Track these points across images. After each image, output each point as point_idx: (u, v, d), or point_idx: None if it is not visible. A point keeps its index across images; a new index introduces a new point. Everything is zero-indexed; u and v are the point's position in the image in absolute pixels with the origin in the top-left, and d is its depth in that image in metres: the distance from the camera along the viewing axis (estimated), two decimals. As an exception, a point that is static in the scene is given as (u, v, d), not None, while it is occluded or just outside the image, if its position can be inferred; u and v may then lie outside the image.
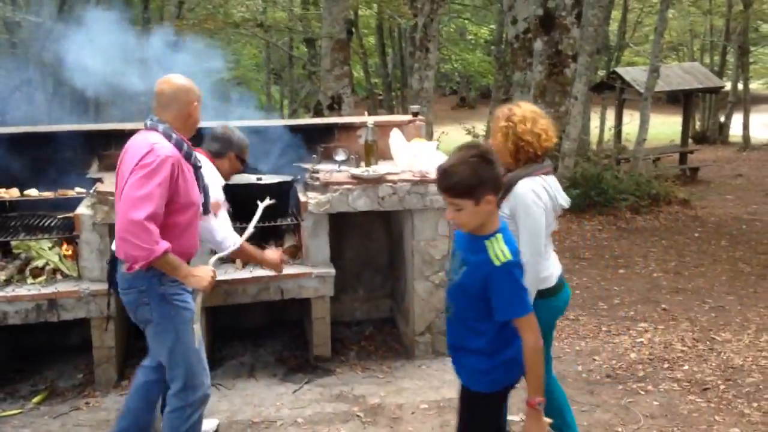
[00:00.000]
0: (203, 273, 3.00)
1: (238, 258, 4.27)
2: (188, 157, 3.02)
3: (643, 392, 4.31)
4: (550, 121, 3.07)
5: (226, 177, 3.73)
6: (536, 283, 2.93)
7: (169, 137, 2.96)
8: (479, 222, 2.46)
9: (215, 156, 3.60)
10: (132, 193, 2.78)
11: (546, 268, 3.04)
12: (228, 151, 3.64)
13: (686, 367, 4.69)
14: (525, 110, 3.01)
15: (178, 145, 2.97)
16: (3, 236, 4.23)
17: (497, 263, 2.42)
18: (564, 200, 3.08)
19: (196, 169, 3.09)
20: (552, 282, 3.08)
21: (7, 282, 4.17)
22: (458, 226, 2.52)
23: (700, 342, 5.17)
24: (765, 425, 3.86)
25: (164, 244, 2.80)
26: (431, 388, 4.25)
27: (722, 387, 4.37)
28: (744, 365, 4.71)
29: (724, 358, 4.85)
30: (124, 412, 3.34)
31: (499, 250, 2.43)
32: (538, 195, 2.91)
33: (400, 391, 4.25)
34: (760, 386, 4.37)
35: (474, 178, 2.38)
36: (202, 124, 4.58)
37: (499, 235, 2.46)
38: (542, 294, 3.02)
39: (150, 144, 2.88)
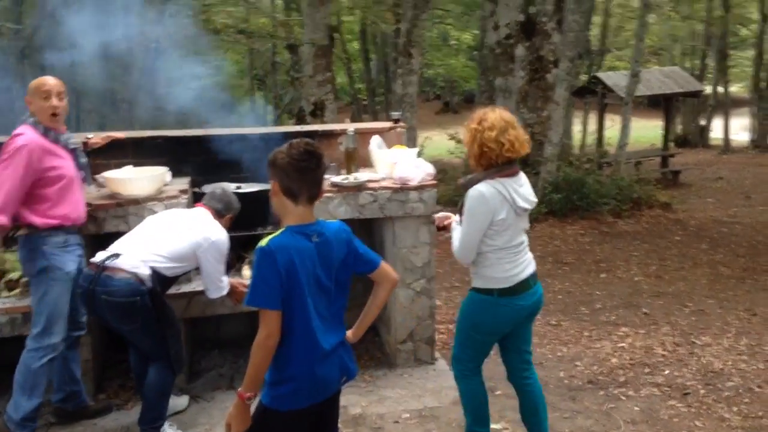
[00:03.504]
0: None
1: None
2: (56, 140, 3.63)
3: (624, 398, 4.32)
4: (522, 133, 3.14)
5: None
6: (465, 258, 3.14)
7: (36, 127, 3.60)
8: (278, 211, 2.47)
9: (218, 214, 3.83)
10: None
11: (501, 268, 3.14)
12: (228, 213, 3.90)
13: (667, 372, 4.71)
14: (497, 118, 3.09)
15: (45, 133, 3.60)
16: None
17: (257, 246, 2.39)
18: (524, 201, 3.13)
19: (69, 149, 3.70)
20: (514, 281, 3.16)
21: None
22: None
23: (681, 346, 5.20)
24: (745, 429, 3.88)
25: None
26: (413, 396, 4.23)
27: (702, 391, 4.39)
28: (724, 369, 4.74)
29: (704, 362, 4.87)
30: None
31: (264, 239, 2.38)
32: (486, 199, 3.03)
33: (381, 401, 4.23)
34: (740, 390, 4.39)
35: (270, 158, 2.44)
36: (180, 133, 4.55)
37: (281, 229, 2.42)
38: (503, 292, 3.15)
39: (12, 136, 3.54)
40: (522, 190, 3.16)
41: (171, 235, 3.57)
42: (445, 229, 3.48)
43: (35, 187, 3.52)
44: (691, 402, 4.25)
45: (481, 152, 3.08)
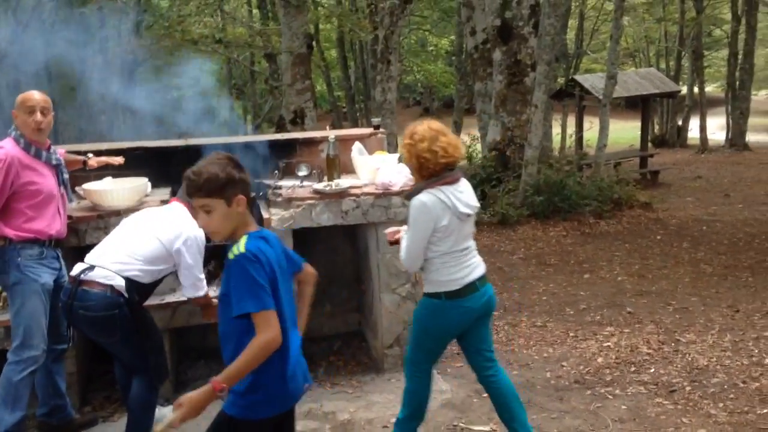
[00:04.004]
0: None
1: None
2: (38, 156, 3.64)
3: (611, 396, 4.34)
4: (454, 138, 3.28)
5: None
6: (412, 266, 3.29)
7: (18, 141, 3.61)
8: (232, 226, 2.42)
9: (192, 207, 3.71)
10: None
11: (446, 272, 3.25)
12: None
13: (652, 370, 4.74)
14: (426, 129, 3.24)
15: (26, 148, 3.61)
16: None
17: (231, 257, 2.37)
18: (465, 206, 3.24)
19: (51, 165, 3.70)
20: (460, 284, 3.26)
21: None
22: (211, 234, 2.45)
23: (666, 344, 5.24)
24: (731, 425, 3.91)
25: None
26: (401, 401, 4.21)
27: (688, 388, 4.42)
28: (709, 366, 4.78)
29: (689, 359, 4.91)
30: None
31: (235, 247, 2.37)
32: (427, 207, 3.15)
33: (369, 406, 4.21)
34: (725, 386, 4.43)
35: (224, 176, 2.38)
36: (161, 144, 4.53)
37: (244, 236, 2.41)
38: (450, 295, 3.26)
39: None
40: (463, 196, 3.27)
41: (144, 237, 3.48)
42: (397, 242, 3.55)
43: (11, 200, 3.54)
44: (677, 399, 4.27)
45: (419, 164, 3.22)
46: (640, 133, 15.73)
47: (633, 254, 8.29)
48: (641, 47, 28.45)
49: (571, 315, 6.11)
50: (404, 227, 3.48)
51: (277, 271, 2.42)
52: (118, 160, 4.40)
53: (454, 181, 3.24)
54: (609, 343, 5.29)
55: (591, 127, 14.00)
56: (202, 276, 3.65)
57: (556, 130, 16.61)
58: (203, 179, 2.38)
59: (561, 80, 17.87)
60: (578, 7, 21.19)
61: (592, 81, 14.49)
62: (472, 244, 3.39)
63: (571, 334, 5.56)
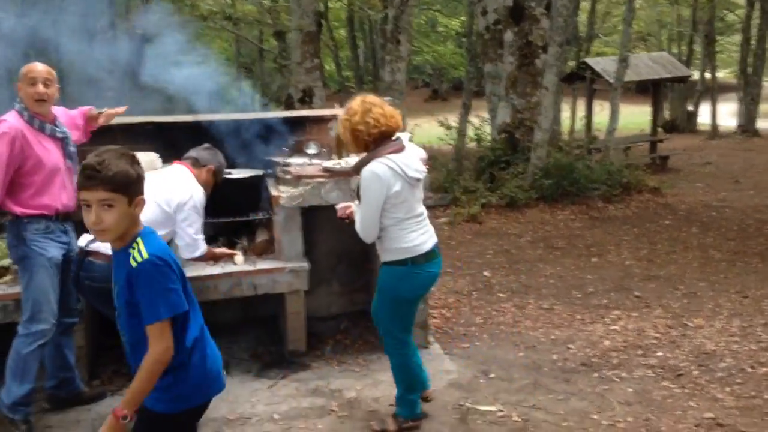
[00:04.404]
0: None
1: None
2: (41, 129, 3.61)
3: (617, 379, 4.34)
4: (390, 110, 3.38)
5: (204, 187, 3.83)
6: (368, 236, 3.36)
7: (21, 114, 3.58)
8: (126, 226, 2.27)
9: (194, 165, 3.77)
10: None
11: (408, 238, 3.37)
12: (207, 163, 3.80)
13: (660, 354, 4.73)
14: (358, 102, 3.37)
15: (29, 121, 3.58)
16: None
17: (134, 264, 2.26)
18: (414, 171, 3.35)
19: (56, 138, 3.66)
20: (419, 251, 3.39)
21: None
22: (102, 232, 2.26)
23: (673, 328, 5.22)
24: (738, 409, 3.90)
25: None
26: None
27: (695, 372, 4.41)
28: (716, 350, 4.77)
29: (697, 343, 4.90)
30: None
31: (137, 253, 2.27)
32: (378, 176, 3.24)
33: (376, 384, 4.22)
34: (732, 371, 4.42)
35: (134, 174, 2.28)
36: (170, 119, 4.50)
37: (140, 239, 2.31)
38: (416, 261, 3.39)
39: None
40: (411, 162, 3.37)
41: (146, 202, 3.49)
42: (348, 218, 3.65)
43: (16, 175, 3.53)
44: (684, 383, 4.27)
45: (353, 137, 3.35)
46: (650, 117, 15.61)
47: (641, 239, 8.26)
48: (653, 31, 28.17)
49: (579, 298, 6.10)
50: (354, 202, 3.58)
51: (180, 266, 2.39)
52: (118, 111, 4.29)
53: (399, 150, 3.34)
54: (616, 327, 5.28)
55: (601, 111, 13.92)
56: (199, 236, 3.62)
57: (565, 114, 16.51)
58: (113, 173, 2.21)
59: (572, 63, 17.73)
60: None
61: (604, 64, 14.35)
62: (424, 211, 3.53)
63: (578, 317, 5.55)
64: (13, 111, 3.62)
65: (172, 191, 3.52)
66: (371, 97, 3.41)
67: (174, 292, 2.29)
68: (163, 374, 2.30)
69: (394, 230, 3.36)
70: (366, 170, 3.28)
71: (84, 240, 3.46)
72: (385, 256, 3.44)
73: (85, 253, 3.38)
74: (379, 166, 3.26)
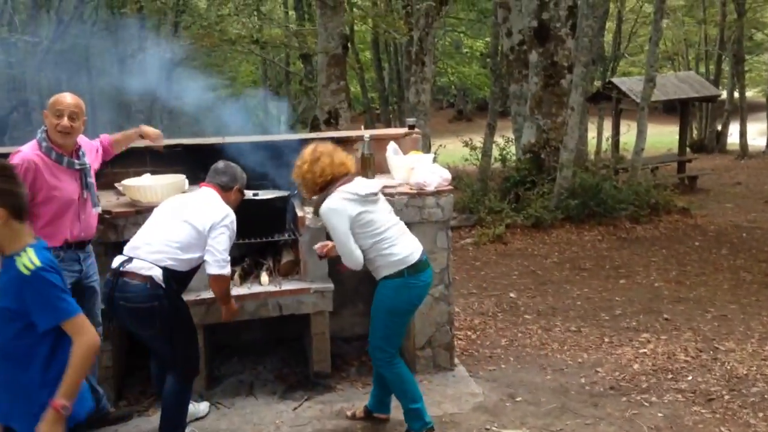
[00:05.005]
0: None
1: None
2: (59, 161, 3.60)
3: (647, 404, 4.26)
4: (339, 157, 3.61)
5: (232, 208, 3.84)
6: (354, 264, 3.54)
7: (40, 144, 3.59)
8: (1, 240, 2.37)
9: (224, 189, 3.78)
10: None
11: (393, 251, 3.54)
12: (234, 184, 3.83)
13: (690, 378, 4.64)
14: (310, 152, 3.64)
15: (47, 152, 3.58)
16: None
17: (27, 272, 2.33)
18: (365, 188, 3.55)
19: (73, 170, 3.66)
20: (408, 262, 3.55)
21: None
22: None
23: (704, 352, 5.13)
24: (772, 435, 3.81)
25: None
26: (433, 403, 4.19)
27: (727, 397, 4.32)
28: (748, 375, 4.66)
29: (728, 367, 4.80)
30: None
31: (27, 261, 2.34)
32: (333, 209, 3.49)
33: (401, 407, 4.18)
34: (765, 396, 4.32)
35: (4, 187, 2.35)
36: (199, 141, 4.56)
37: (30, 249, 2.38)
38: (411, 270, 3.56)
39: (12, 154, 3.57)
40: (359, 185, 3.57)
41: (177, 224, 3.54)
42: (328, 255, 3.89)
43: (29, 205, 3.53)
44: (715, 408, 4.18)
45: (304, 184, 3.65)
46: (678, 137, 15.46)
47: (670, 260, 8.14)
48: (680, 50, 27.97)
49: (607, 320, 6.02)
50: (329, 241, 3.85)
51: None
52: (160, 146, 4.39)
53: (347, 182, 3.58)
54: (645, 350, 5.19)
55: (628, 131, 13.80)
56: (227, 256, 3.63)
57: (591, 134, 16.41)
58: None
59: (597, 83, 17.66)
60: (617, 7, 20.90)
61: (630, 84, 14.27)
62: (399, 222, 3.70)
63: (606, 340, 5.48)
64: (33, 141, 3.62)
65: (205, 213, 3.56)
66: (322, 146, 3.64)
67: (68, 294, 2.43)
68: (44, 389, 2.37)
69: (376, 248, 3.54)
70: (322, 209, 3.54)
71: (117, 261, 3.49)
72: (380, 273, 3.60)
73: (118, 273, 3.42)
74: (331, 201, 3.52)
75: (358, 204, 3.51)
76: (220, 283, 3.64)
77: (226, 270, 3.62)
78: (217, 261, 3.57)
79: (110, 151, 4.11)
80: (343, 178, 3.59)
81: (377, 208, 3.59)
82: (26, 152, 3.54)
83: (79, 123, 3.65)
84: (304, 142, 5.05)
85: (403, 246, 3.58)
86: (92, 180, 3.80)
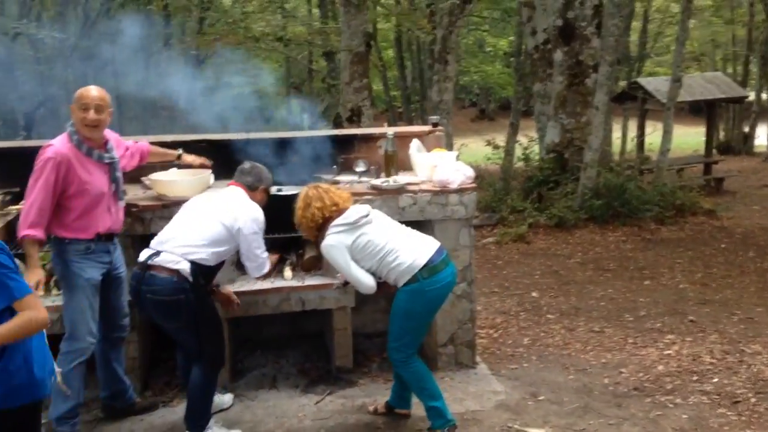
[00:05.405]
0: (34, 275, 3.48)
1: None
2: (89, 154, 3.64)
3: (671, 405, 4.22)
4: (329, 199, 3.69)
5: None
6: (365, 288, 3.64)
7: (71, 138, 3.61)
8: None
9: (250, 188, 3.85)
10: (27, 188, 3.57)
11: (403, 260, 3.57)
12: (259, 185, 3.89)
13: (716, 380, 4.59)
14: (301, 199, 3.75)
15: (78, 145, 3.61)
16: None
17: None
18: (355, 214, 3.63)
19: (103, 163, 3.70)
20: (418, 266, 3.56)
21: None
22: None
23: (730, 354, 5.06)
24: (799, 439, 3.76)
25: (24, 232, 3.49)
26: (455, 400, 4.19)
27: (753, 400, 4.26)
28: (775, 377, 4.60)
29: (755, 370, 4.73)
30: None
31: None
32: (331, 245, 3.60)
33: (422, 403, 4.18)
34: (793, 399, 4.26)
35: None
36: (224, 136, 4.58)
37: None
38: (426, 273, 3.56)
39: (45, 146, 3.60)
40: (348, 214, 3.66)
41: (207, 221, 3.60)
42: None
43: (60, 198, 3.57)
44: (741, 410, 4.13)
45: (300, 224, 3.77)
46: (704, 138, 15.26)
47: (696, 262, 8.05)
48: (707, 51, 27.60)
49: (630, 321, 5.97)
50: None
51: None
52: (208, 163, 4.46)
53: (340, 213, 3.67)
54: (670, 351, 5.14)
55: (653, 132, 13.66)
56: (265, 254, 3.75)
57: (616, 134, 16.25)
58: None
59: (622, 83, 17.49)
60: (643, 7, 20.67)
61: (656, 84, 14.12)
62: (406, 230, 3.76)
63: (630, 341, 5.43)
64: (63, 134, 3.65)
65: (235, 212, 3.64)
66: (314, 191, 3.74)
67: (20, 275, 2.45)
68: None
69: (384, 264, 3.59)
70: (322, 247, 3.67)
71: (144, 254, 3.54)
72: (399, 282, 3.62)
73: (146, 267, 3.46)
74: (329, 239, 3.62)
75: (351, 232, 3.61)
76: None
77: (266, 269, 3.81)
78: (258, 266, 3.74)
79: (146, 159, 4.19)
80: (332, 221, 3.66)
81: (372, 227, 3.65)
82: (59, 146, 3.57)
83: (105, 115, 3.67)
84: (329, 138, 5.09)
85: (410, 251, 3.60)
86: (120, 174, 3.84)
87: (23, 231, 3.48)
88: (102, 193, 3.69)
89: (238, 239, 3.63)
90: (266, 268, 3.78)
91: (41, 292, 3.56)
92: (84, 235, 3.64)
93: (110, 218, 3.77)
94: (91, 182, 3.63)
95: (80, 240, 3.63)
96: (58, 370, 3.36)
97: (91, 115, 3.59)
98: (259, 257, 3.71)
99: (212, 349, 3.65)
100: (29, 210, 3.49)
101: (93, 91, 3.65)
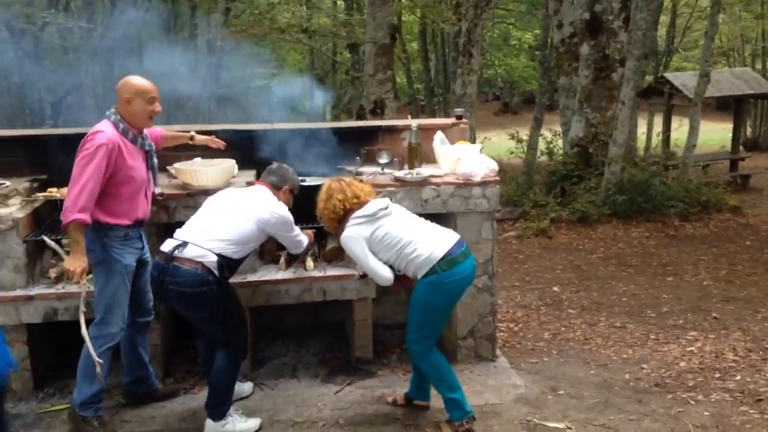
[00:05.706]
0: (79, 262, 3.51)
1: None
2: (134, 141, 3.69)
3: (693, 402, 4.18)
4: (352, 190, 3.72)
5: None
6: (383, 280, 3.65)
7: (117, 126, 3.63)
8: None
9: (275, 187, 3.91)
10: (73, 173, 3.51)
11: (420, 252, 3.56)
12: (284, 185, 3.94)
13: (738, 378, 4.54)
14: (324, 191, 3.78)
15: (124, 133, 3.63)
16: (54, 235, 4.29)
17: None
18: (375, 207, 3.64)
19: (144, 151, 3.76)
20: (436, 257, 3.55)
21: (57, 279, 4.25)
22: None
23: (753, 352, 5.01)
24: (823, 439, 3.71)
25: (74, 216, 3.43)
26: (474, 392, 4.19)
27: (777, 398, 4.22)
28: (800, 377, 4.54)
29: (779, 369, 4.68)
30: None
31: None
32: (351, 237, 3.62)
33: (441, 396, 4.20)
34: (818, 399, 4.20)
35: None
36: (248, 127, 4.60)
37: None
38: (444, 265, 3.55)
39: (92, 131, 3.57)
40: (368, 207, 3.67)
41: (234, 218, 3.65)
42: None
43: (107, 184, 3.58)
44: (764, 408, 4.08)
45: (322, 216, 3.80)
46: (731, 135, 15.05)
47: (720, 259, 7.96)
48: (736, 46, 27.17)
49: (653, 317, 5.92)
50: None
51: None
52: (221, 144, 4.50)
53: (359, 206, 3.69)
54: (692, 348, 5.09)
55: (679, 127, 13.50)
56: (298, 233, 3.92)
57: (641, 129, 16.09)
58: None
59: (649, 78, 17.29)
60: (672, 1, 20.40)
61: (683, 79, 13.95)
62: (425, 223, 3.76)
63: (652, 337, 5.39)
64: (107, 121, 3.64)
65: (266, 211, 3.71)
66: (336, 183, 3.77)
67: None
68: None
69: (403, 256, 3.60)
70: (341, 239, 3.69)
71: (168, 245, 3.56)
72: (418, 275, 3.63)
73: (170, 258, 3.50)
74: (348, 230, 3.65)
75: (370, 224, 3.63)
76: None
77: (305, 244, 4.00)
78: (295, 245, 3.95)
79: (160, 144, 4.19)
80: (351, 214, 3.69)
81: (391, 219, 3.67)
82: (109, 133, 3.57)
83: None
84: (353, 130, 5.10)
85: (428, 244, 3.60)
86: (156, 161, 3.91)
87: (74, 215, 3.43)
88: (144, 179, 3.77)
89: (270, 232, 3.73)
90: (305, 242, 3.95)
91: (83, 281, 3.56)
92: (126, 220, 3.69)
93: (147, 205, 3.85)
94: (136, 168, 3.69)
95: (121, 226, 3.67)
96: (99, 361, 3.46)
97: (158, 107, 3.71)
98: (294, 238, 3.88)
99: (236, 340, 3.69)
100: (80, 194, 3.44)
101: (151, 83, 3.72)
